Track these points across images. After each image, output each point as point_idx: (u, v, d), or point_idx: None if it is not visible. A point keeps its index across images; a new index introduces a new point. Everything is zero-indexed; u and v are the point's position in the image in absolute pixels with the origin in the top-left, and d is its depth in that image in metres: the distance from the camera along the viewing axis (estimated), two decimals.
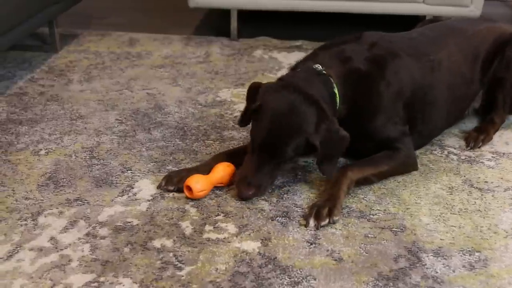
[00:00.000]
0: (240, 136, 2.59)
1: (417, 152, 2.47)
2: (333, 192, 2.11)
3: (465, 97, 2.60)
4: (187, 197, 2.14)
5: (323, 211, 2.03)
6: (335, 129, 2.11)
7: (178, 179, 2.19)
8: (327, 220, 2.01)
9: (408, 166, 2.34)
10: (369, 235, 1.99)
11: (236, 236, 1.97)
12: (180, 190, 2.17)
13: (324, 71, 2.19)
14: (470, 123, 2.71)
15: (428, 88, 2.40)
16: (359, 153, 2.30)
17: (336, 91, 2.18)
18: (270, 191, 2.20)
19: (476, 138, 2.56)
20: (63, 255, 1.88)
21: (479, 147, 2.54)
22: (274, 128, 2.07)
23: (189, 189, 2.13)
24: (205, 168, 2.23)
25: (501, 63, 2.59)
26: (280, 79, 2.23)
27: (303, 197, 2.19)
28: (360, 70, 2.25)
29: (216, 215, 2.07)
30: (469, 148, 2.53)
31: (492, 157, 2.48)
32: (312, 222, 2.01)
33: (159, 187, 2.21)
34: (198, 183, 2.12)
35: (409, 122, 2.34)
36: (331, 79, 2.18)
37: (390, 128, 2.29)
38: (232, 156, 2.30)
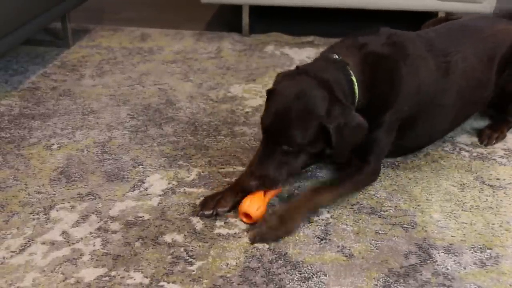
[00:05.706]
0: (251, 132, 2.59)
1: (428, 148, 2.46)
2: (290, 215, 1.97)
3: (476, 102, 2.51)
4: (245, 223, 2.01)
5: (272, 234, 1.92)
6: (351, 115, 1.98)
7: (214, 203, 2.05)
8: (272, 244, 1.91)
9: (367, 183, 2.22)
10: (380, 232, 1.99)
11: (247, 232, 1.97)
12: (218, 214, 2.04)
13: (341, 59, 2.12)
14: (482, 121, 2.69)
15: (440, 90, 2.29)
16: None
17: (353, 78, 2.07)
18: (289, 185, 2.20)
19: (490, 136, 2.54)
20: (75, 249, 1.89)
21: (492, 145, 2.52)
22: (282, 111, 1.95)
23: (246, 215, 1.99)
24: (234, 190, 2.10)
25: None
26: (297, 67, 2.14)
27: None
28: (378, 53, 2.16)
29: (227, 211, 2.07)
30: (483, 145, 2.51)
31: (504, 154, 2.46)
32: (257, 240, 1.91)
33: (196, 214, 2.05)
34: (253, 204, 1.97)
35: (407, 120, 2.23)
36: (347, 66, 2.09)
37: (382, 134, 2.17)
38: None
